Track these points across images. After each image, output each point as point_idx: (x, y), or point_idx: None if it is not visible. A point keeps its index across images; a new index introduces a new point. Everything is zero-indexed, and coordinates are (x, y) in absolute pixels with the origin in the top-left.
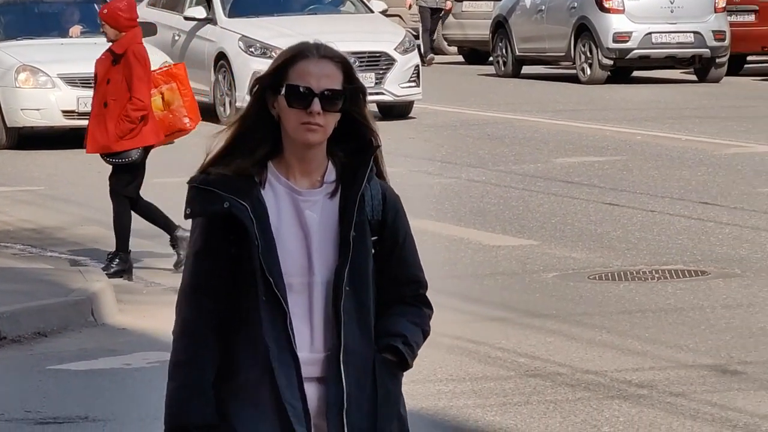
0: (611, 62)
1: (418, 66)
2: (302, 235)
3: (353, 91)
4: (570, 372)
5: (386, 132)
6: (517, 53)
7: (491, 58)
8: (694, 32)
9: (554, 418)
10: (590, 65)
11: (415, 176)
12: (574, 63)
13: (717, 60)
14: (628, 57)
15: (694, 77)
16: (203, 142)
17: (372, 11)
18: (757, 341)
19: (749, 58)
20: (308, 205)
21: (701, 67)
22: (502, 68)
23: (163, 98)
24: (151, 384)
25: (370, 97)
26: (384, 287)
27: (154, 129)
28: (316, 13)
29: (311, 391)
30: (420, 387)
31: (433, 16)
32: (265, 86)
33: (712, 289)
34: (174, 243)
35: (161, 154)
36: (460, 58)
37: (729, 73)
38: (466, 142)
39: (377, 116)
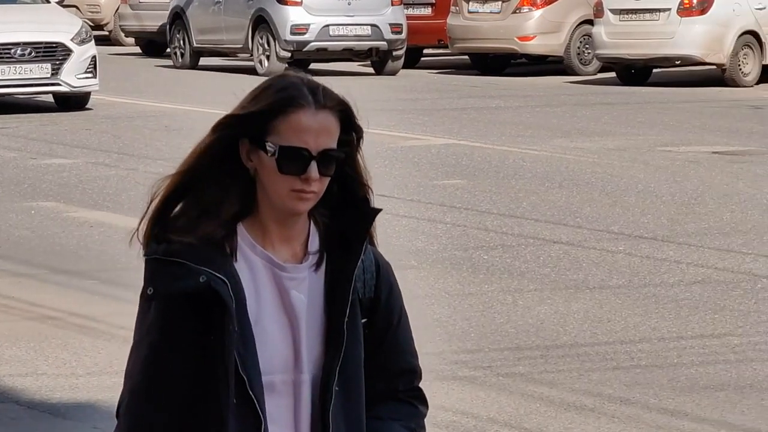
0: (289, 54)
1: (95, 57)
2: (287, 322)
3: (355, 140)
4: None
5: (62, 123)
6: (195, 45)
7: (168, 50)
8: (371, 25)
9: None
10: (268, 57)
11: (92, 168)
12: (252, 55)
13: (394, 53)
14: (305, 49)
15: (371, 70)
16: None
17: (48, 1)
18: (432, 333)
19: (426, 51)
20: (294, 284)
21: (378, 60)
22: (180, 60)
23: None
24: None
25: (45, 89)
26: (371, 377)
27: None
28: None
29: None
30: (95, 379)
31: None
32: (239, 134)
33: None
34: None
35: None
36: (138, 50)
37: (406, 66)
38: (143, 134)
39: (53, 107)
